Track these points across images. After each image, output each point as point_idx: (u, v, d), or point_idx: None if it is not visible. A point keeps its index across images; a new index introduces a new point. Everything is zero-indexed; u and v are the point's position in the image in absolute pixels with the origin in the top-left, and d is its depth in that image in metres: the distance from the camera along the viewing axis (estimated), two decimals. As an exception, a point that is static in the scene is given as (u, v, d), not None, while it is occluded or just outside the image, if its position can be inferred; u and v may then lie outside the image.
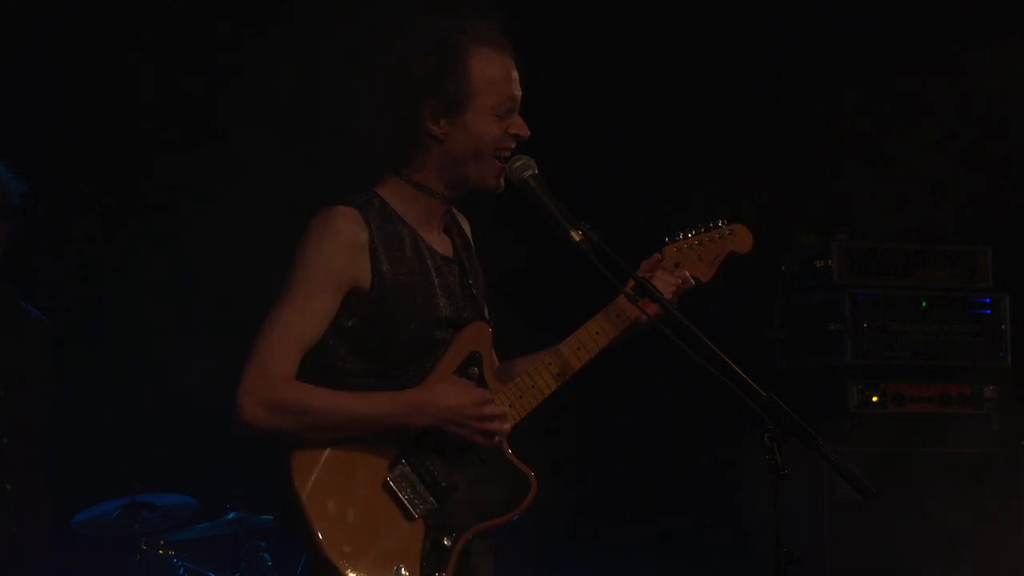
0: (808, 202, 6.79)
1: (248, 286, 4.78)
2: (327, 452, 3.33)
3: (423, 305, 3.43)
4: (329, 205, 3.41)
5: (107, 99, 6.24)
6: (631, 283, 3.47)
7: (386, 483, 3.34)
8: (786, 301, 6.55)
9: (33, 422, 5.05)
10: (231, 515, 5.87)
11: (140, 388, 6.17)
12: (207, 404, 5.39)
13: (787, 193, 6.69)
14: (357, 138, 3.54)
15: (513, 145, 3.47)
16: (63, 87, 6.20)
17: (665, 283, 3.58)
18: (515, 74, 3.48)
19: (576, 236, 3.41)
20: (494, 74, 3.44)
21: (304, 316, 3.33)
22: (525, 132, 3.48)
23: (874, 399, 6.27)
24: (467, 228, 3.68)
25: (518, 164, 3.47)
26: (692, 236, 3.70)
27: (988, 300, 6.43)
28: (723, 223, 3.73)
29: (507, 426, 3.41)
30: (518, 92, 3.48)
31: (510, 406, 3.45)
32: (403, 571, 3.30)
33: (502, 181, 3.48)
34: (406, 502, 3.35)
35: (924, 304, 6.37)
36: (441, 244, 3.53)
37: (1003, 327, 6.41)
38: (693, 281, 3.65)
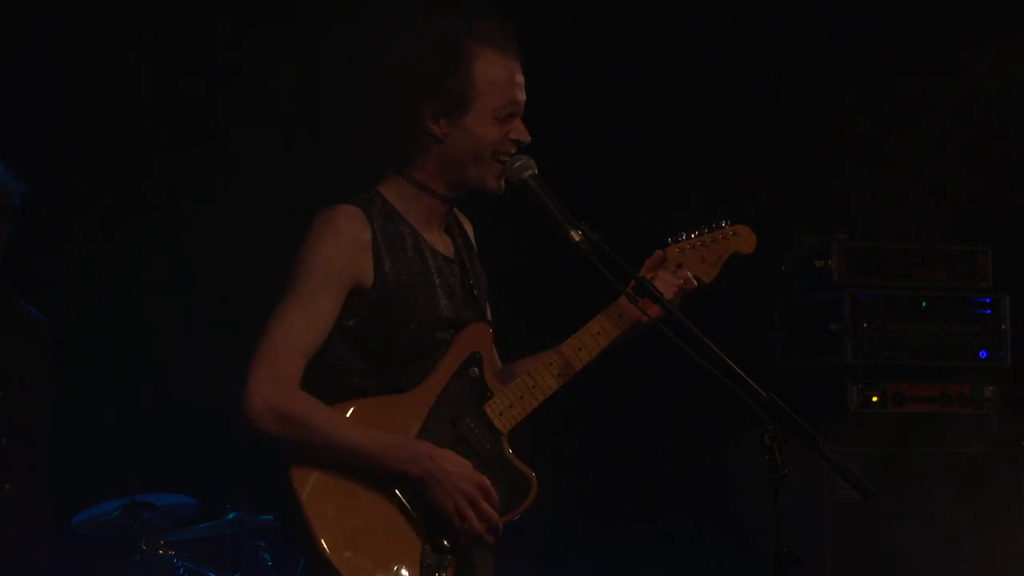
0: (808, 202, 6.79)
1: (248, 286, 4.79)
2: None
3: (424, 305, 3.42)
4: (331, 204, 3.40)
5: (107, 99, 6.24)
6: (632, 283, 3.47)
7: (386, 485, 3.34)
8: (786, 301, 6.55)
9: (33, 422, 5.05)
10: (231, 515, 5.87)
11: (140, 388, 6.17)
12: (207, 404, 5.41)
13: (787, 193, 6.69)
14: (357, 138, 3.54)
15: (513, 150, 3.46)
16: (63, 87, 6.20)
17: (667, 283, 3.57)
18: (519, 78, 3.47)
19: (576, 236, 3.40)
20: (497, 76, 3.43)
21: (309, 316, 3.32)
22: (526, 138, 3.47)
23: (874, 399, 6.27)
24: (469, 229, 3.68)
25: (518, 164, 3.46)
26: (695, 236, 3.68)
27: (988, 300, 6.43)
28: (726, 223, 3.71)
29: (489, 538, 3.35)
30: (521, 96, 3.47)
31: (510, 406, 3.45)
32: (404, 572, 3.30)
33: (502, 183, 3.47)
34: (406, 503, 3.34)
35: (924, 304, 6.37)
36: (442, 244, 3.53)
37: (1003, 327, 6.41)
38: (695, 282, 3.63)
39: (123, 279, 6.24)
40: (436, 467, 3.31)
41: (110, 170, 6.29)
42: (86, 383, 5.90)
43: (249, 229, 5.97)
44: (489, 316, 3.61)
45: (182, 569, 5.80)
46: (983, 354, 6.40)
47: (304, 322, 3.32)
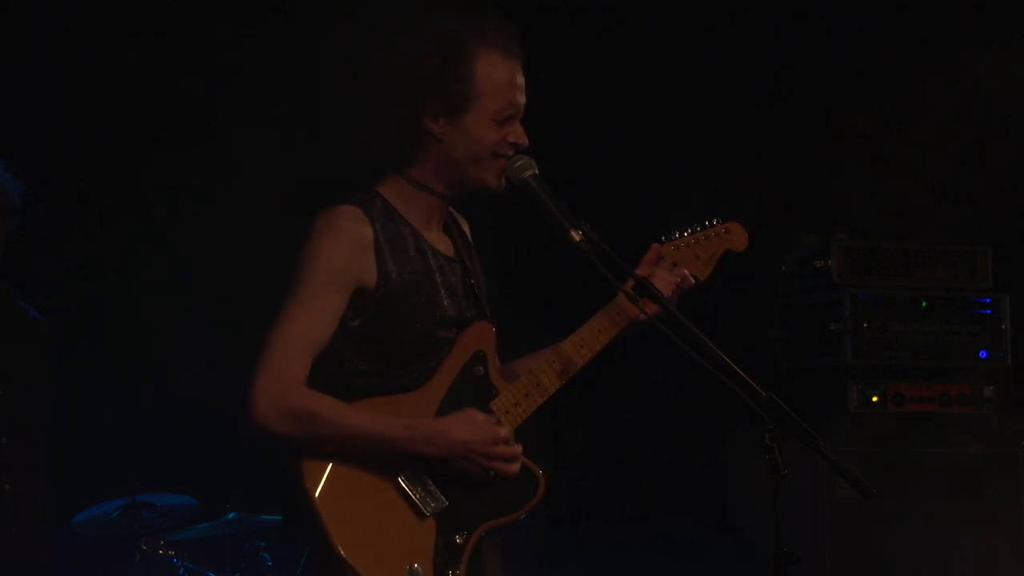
0: (808, 202, 6.79)
1: (248, 286, 4.79)
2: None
3: (427, 305, 3.43)
4: (332, 204, 3.40)
5: (107, 99, 6.23)
6: (632, 282, 3.47)
7: (397, 483, 3.34)
8: (786, 301, 6.55)
9: (33, 422, 5.05)
10: (231, 515, 5.87)
11: (140, 388, 6.17)
12: (207, 404, 5.42)
13: (787, 193, 6.69)
14: (357, 138, 3.54)
15: (511, 153, 3.46)
16: (63, 87, 6.20)
17: (665, 282, 3.58)
18: (520, 80, 3.47)
19: (576, 236, 3.41)
20: (498, 78, 3.43)
21: (313, 317, 3.32)
22: (524, 142, 3.47)
23: (874, 399, 6.27)
24: (466, 228, 3.68)
25: (518, 164, 3.46)
26: (688, 235, 3.71)
27: (988, 300, 6.44)
28: (717, 221, 3.75)
29: (515, 467, 3.40)
30: (521, 99, 3.47)
31: (516, 404, 3.46)
32: (418, 569, 3.31)
33: (502, 180, 3.47)
34: (417, 501, 3.35)
35: (924, 304, 6.38)
36: (442, 243, 3.53)
37: (1003, 327, 6.41)
38: (692, 279, 3.65)
39: (123, 279, 6.24)
40: (450, 441, 3.33)
41: (110, 170, 6.28)
42: (86, 383, 5.90)
43: (249, 229, 5.97)
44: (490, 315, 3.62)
45: (182, 569, 5.80)
46: (983, 354, 6.40)
47: (307, 323, 3.32)
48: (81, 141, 6.24)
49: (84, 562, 5.94)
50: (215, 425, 4.71)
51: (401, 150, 3.47)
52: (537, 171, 3.47)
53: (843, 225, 6.44)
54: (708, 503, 6.48)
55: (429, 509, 3.35)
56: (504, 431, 3.40)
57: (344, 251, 3.35)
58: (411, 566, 3.31)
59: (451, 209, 3.59)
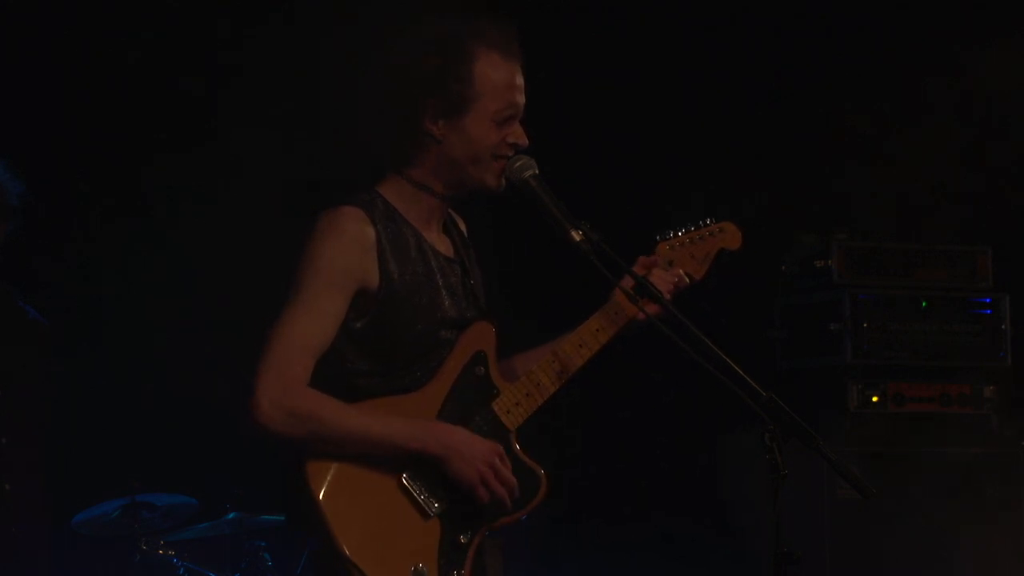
0: (808, 202, 6.79)
1: (248, 286, 4.80)
2: None
3: (428, 306, 3.43)
4: (333, 205, 3.40)
5: (107, 99, 6.24)
6: (631, 282, 3.48)
7: (400, 483, 3.35)
8: (786, 301, 6.55)
9: (33, 422, 5.05)
10: (231, 515, 5.87)
11: (140, 388, 6.17)
12: (207, 404, 5.42)
13: (787, 193, 6.69)
14: (357, 137, 3.54)
15: (511, 153, 3.47)
16: (63, 87, 6.20)
17: (663, 281, 3.59)
18: (519, 81, 3.47)
19: (576, 236, 3.41)
20: (498, 79, 3.43)
21: (315, 318, 3.32)
22: (524, 142, 3.48)
23: (874, 399, 6.27)
24: (463, 227, 3.69)
25: (518, 164, 3.47)
26: (683, 234, 3.73)
27: (988, 300, 6.43)
28: (711, 220, 3.76)
29: (504, 493, 3.38)
30: (521, 100, 3.47)
31: (517, 404, 3.46)
32: (423, 570, 3.31)
33: (502, 180, 3.48)
34: (421, 501, 3.35)
35: (924, 304, 6.37)
36: (442, 244, 3.54)
37: (1003, 327, 6.41)
38: (687, 279, 3.66)
39: (123, 279, 6.24)
40: (453, 441, 3.33)
41: (110, 170, 6.29)
42: (86, 383, 5.89)
43: (249, 229, 5.97)
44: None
45: (182, 569, 5.80)
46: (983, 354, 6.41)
47: (309, 324, 3.32)
48: (81, 141, 6.24)
49: (84, 562, 5.94)
50: (215, 425, 4.72)
51: (401, 150, 3.47)
52: (537, 171, 3.47)
53: (843, 225, 6.44)
54: (708, 503, 6.48)
55: (433, 509, 3.36)
56: (509, 467, 3.39)
57: (347, 252, 3.35)
58: (416, 566, 3.31)
59: (449, 209, 3.59)
